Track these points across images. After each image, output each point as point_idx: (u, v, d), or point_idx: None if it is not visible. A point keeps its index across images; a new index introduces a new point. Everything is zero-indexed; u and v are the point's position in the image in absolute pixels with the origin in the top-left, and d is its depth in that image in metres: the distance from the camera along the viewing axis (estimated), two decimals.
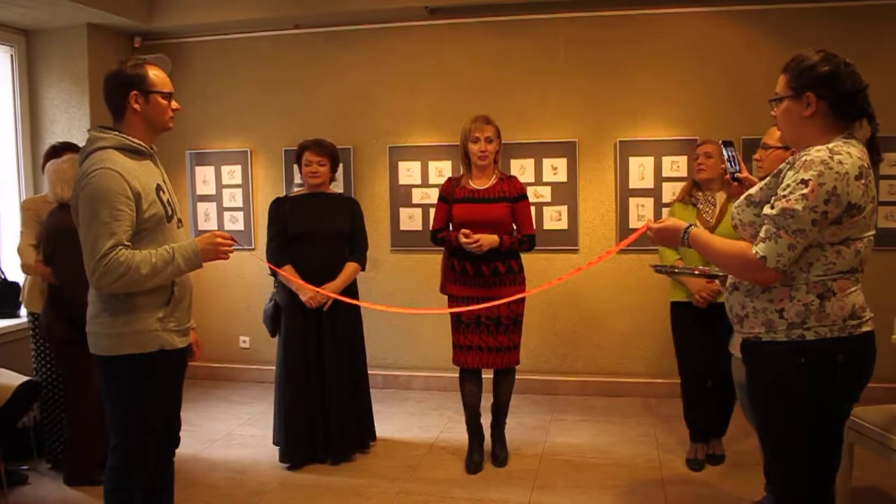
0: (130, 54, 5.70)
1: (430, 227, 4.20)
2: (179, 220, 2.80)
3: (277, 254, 4.10)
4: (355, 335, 4.29)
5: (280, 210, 4.18)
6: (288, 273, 3.93)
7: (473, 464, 4.08)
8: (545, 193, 5.42)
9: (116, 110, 2.67)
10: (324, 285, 3.97)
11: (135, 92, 2.62)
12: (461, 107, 5.36)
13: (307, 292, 4.01)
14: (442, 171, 5.56)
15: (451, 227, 4.06)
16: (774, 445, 2.32)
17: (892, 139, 4.61)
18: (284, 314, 4.15)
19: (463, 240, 3.83)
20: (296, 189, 4.46)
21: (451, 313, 4.03)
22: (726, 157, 2.78)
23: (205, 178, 5.99)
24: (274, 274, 4.12)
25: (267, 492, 3.83)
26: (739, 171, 2.79)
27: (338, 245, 4.21)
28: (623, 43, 5.27)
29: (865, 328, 2.21)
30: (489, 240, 3.85)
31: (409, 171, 5.65)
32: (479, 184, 4.02)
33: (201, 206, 6.01)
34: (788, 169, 2.16)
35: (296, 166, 4.32)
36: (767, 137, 3.17)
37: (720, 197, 3.90)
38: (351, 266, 4.20)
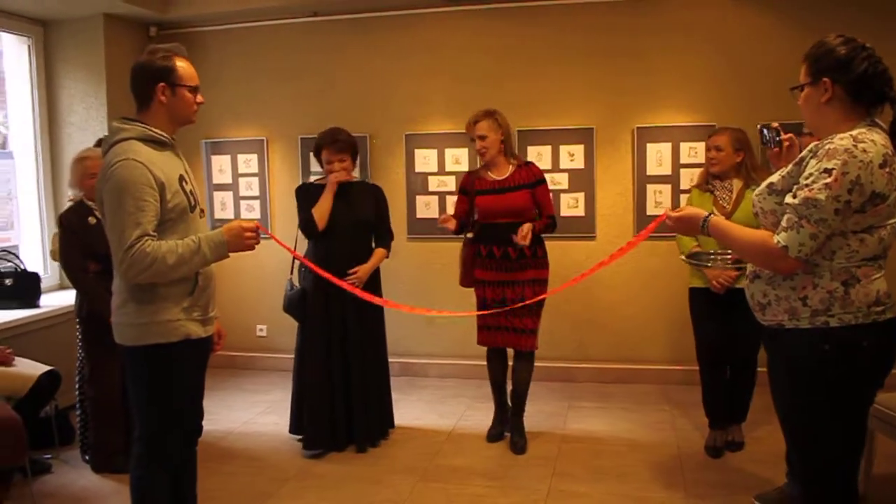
0: (146, 44, 5.72)
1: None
2: (202, 211, 2.81)
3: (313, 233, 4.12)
4: (377, 322, 4.31)
5: (309, 196, 4.15)
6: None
7: (494, 433, 4.30)
8: (562, 180, 5.40)
9: (142, 101, 2.66)
10: (355, 268, 4.04)
11: (162, 84, 2.62)
12: (478, 94, 5.35)
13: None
14: (458, 158, 5.56)
15: (475, 217, 4.16)
16: (798, 433, 2.32)
17: None
18: (309, 299, 4.12)
19: (521, 241, 3.87)
20: (317, 178, 4.42)
21: (477, 294, 4.18)
22: (764, 139, 2.69)
23: (221, 167, 6.01)
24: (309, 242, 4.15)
25: (287, 479, 3.86)
26: (779, 136, 2.70)
27: (362, 235, 4.21)
28: (640, 29, 5.24)
29: (889, 314, 2.20)
30: (528, 229, 3.90)
31: (425, 159, 5.64)
32: (498, 174, 4.11)
33: (217, 195, 6.03)
34: (811, 157, 2.14)
35: (312, 155, 4.32)
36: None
37: (737, 184, 3.88)
38: (380, 252, 4.23)
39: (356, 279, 4.03)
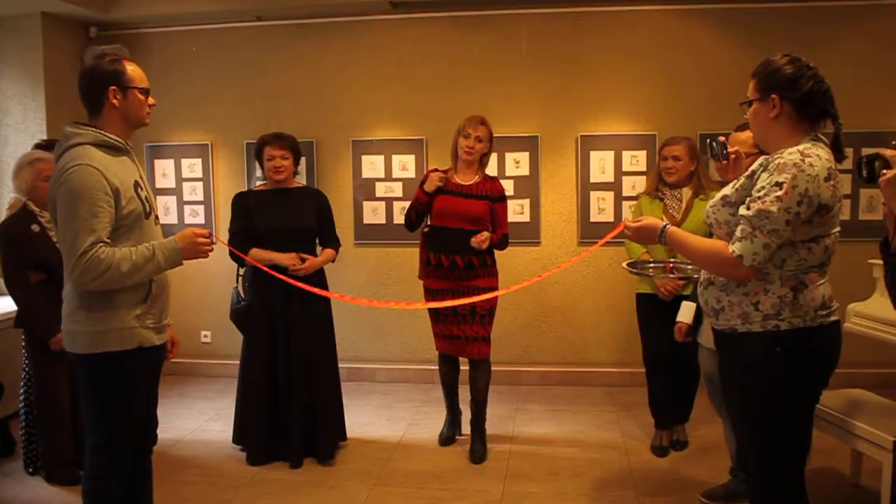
0: (86, 45, 5.59)
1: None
2: (157, 217, 2.78)
3: (242, 246, 3.90)
4: (325, 333, 4.18)
5: (244, 205, 4.06)
6: (258, 254, 3.89)
7: (445, 436, 4.34)
8: (508, 187, 5.41)
9: (93, 106, 2.62)
10: (303, 256, 3.96)
11: (113, 87, 2.58)
12: (425, 101, 5.41)
13: (284, 259, 3.90)
14: (405, 164, 5.58)
15: (429, 217, 4.17)
16: (752, 430, 2.43)
17: (845, 136, 4.77)
18: (253, 312, 4.03)
19: (477, 245, 3.94)
20: (258, 184, 4.35)
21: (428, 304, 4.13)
22: (713, 152, 2.81)
23: (164, 171, 5.91)
24: (240, 262, 3.95)
25: (241, 486, 3.83)
26: (726, 150, 2.83)
27: (305, 242, 4.09)
28: (585, 38, 5.37)
29: (833, 318, 2.35)
30: (487, 237, 3.96)
31: (372, 165, 5.65)
32: (463, 179, 4.13)
33: (161, 199, 5.90)
34: (762, 171, 2.26)
35: (257, 161, 4.22)
36: (740, 145, 2.99)
37: (686, 193, 4.00)
38: (329, 251, 4.16)
39: (302, 268, 3.91)
